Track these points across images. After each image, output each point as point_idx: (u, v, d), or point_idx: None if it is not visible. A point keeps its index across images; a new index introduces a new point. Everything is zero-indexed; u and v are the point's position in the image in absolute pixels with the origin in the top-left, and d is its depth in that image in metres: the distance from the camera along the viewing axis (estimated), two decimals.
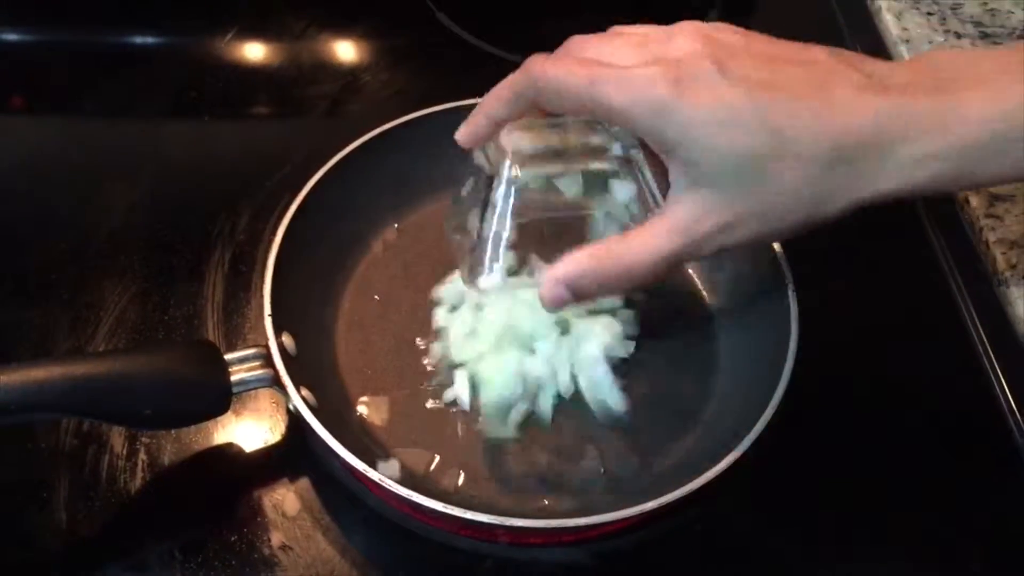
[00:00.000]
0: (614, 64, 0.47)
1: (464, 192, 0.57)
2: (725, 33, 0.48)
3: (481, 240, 0.54)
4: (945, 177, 0.46)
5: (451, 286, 0.66)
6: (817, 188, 0.47)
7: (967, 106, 0.45)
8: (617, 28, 0.52)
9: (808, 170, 0.46)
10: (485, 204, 0.54)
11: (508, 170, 0.52)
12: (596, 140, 0.53)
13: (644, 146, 0.52)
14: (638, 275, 0.51)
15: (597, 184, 0.55)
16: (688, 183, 0.48)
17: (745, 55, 0.46)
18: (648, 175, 0.54)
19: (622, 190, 0.55)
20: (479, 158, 0.55)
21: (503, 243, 0.54)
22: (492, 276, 0.55)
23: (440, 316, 0.66)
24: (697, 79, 0.45)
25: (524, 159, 0.52)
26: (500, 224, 0.53)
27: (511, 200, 0.53)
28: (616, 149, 0.53)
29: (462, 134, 0.54)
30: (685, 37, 0.47)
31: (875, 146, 0.45)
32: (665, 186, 0.51)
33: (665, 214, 0.50)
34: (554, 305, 0.53)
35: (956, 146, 0.45)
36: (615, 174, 0.54)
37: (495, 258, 0.54)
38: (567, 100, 0.49)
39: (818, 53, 0.47)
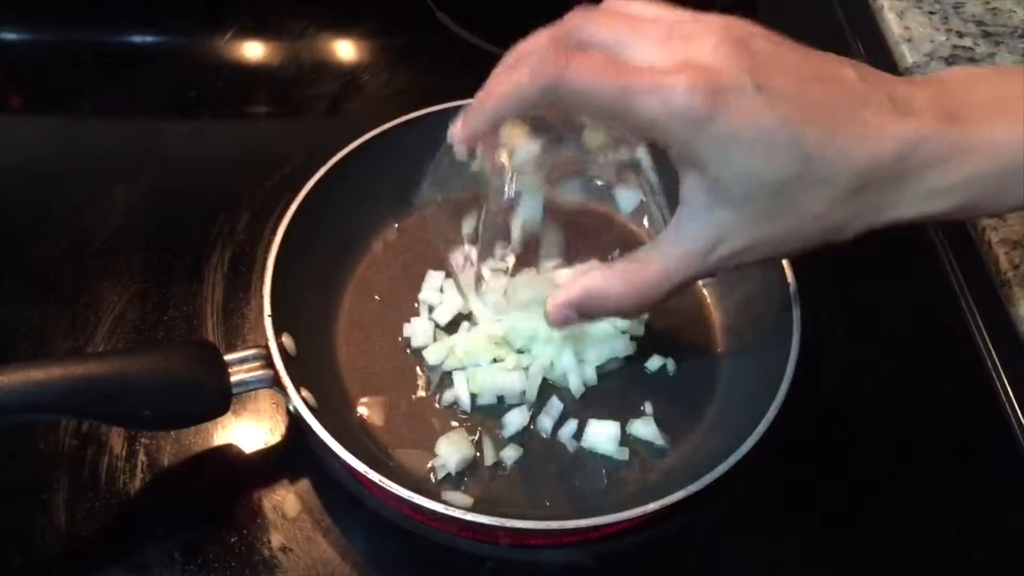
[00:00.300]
0: (639, 65, 0.44)
1: (441, 168, 0.54)
2: (756, 40, 0.45)
3: (482, 247, 0.53)
4: (962, 205, 0.46)
5: (420, 325, 0.66)
6: (839, 215, 0.46)
7: (984, 136, 0.44)
8: (622, 5, 0.48)
9: (833, 198, 0.45)
10: (484, 211, 0.52)
11: (511, 181, 0.50)
12: (597, 139, 0.51)
13: (651, 150, 0.50)
14: (649, 300, 0.49)
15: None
16: (708, 203, 0.46)
17: (779, 68, 0.44)
18: (655, 182, 0.51)
19: (626, 199, 0.53)
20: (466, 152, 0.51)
21: (503, 249, 0.52)
22: (490, 287, 0.54)
23: (439, 318, 0.66)
24: (734, 94, 0.42)
25: (527, 166, 0.50)
26: (499, 231, 0.52)
27: (512, 207, 0.51)
28: (622, 153, 0.51)
29: (462, 137, 0.49)
30: (715, 40, 0.43)
31: (898, 174, 0.44)
32: (672, 195, 0.49)
33: (679, 235, 0.48)
34: (560, 326, 0.52)
35: (974, 176, 0.45)
36: (619, 180, 0.52)
37: (493, 267, 0.53)
38: (591, 107, 0.45)
39: (846, 70, 0.45)
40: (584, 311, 0.51)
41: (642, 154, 0.51)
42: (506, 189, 0.51)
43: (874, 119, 0.44)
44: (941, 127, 0.44)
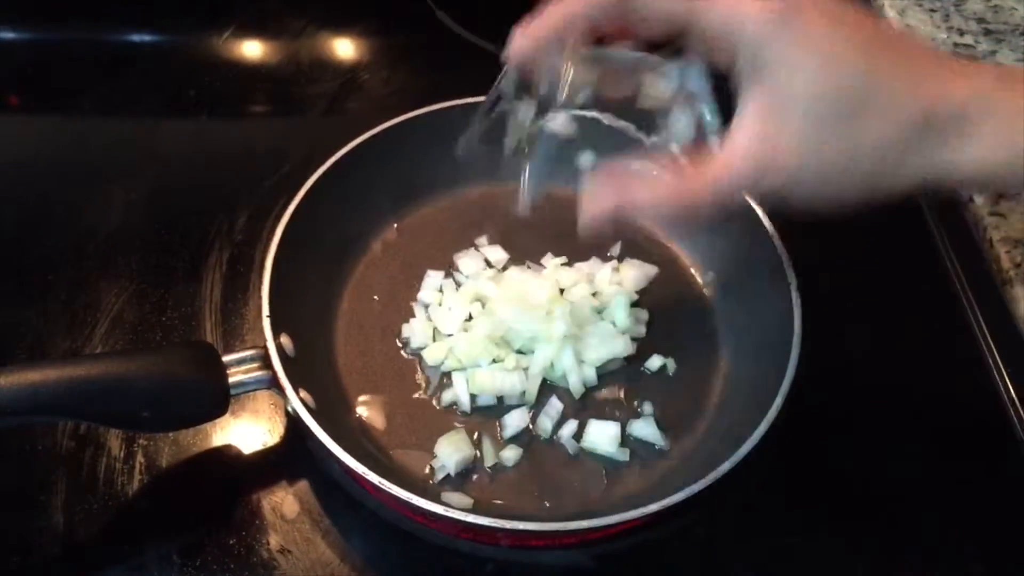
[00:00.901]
0: None
1: (497, 108, 0.54)
2: None
3: (530, 169, 0.53)
4: (1010, 162, 0.44)
5: (419, 325, 0.65)
6: (894, 154, 0.45)
7: None
8: None
9: (894, 133, 0.44)
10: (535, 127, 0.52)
11: (566, 83, 0.49)
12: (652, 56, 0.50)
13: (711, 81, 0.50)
14: (692, 209, 0.48)
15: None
16: (767, 115, 0.45)
17: (852, 11, 0.44)
18: (709, 103, 0.50)
19: (681, 129, 0.51)
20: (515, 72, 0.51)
21: (548, 172, 0.52)
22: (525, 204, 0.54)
23: (436, 318, 0.66)
24: (811, 2, 0.43)
25: (584, 83, 0.50)
26: (550, 148, 0.52)
27: (565, 123, 0.51)
28: (676, 71, 0.50)
29: (526, 42, 0.48)
30: None
31: (964, 120, 0.44)
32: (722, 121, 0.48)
33: (732, 147, 0.46)
34: (593, 223, 0.50)
35: None
36: (675, 98, 0.51)
37: (534, 191, 0.53)
38: (663, 10, 0.45)
39: (907, 36, 0.47)
40: (622, 211, 0.49)
41: (699, 83, 0.50)
42: (559, 91, 0.50)
43: (946, 64, 0.44)
44: (1001, 87, 0.44)
